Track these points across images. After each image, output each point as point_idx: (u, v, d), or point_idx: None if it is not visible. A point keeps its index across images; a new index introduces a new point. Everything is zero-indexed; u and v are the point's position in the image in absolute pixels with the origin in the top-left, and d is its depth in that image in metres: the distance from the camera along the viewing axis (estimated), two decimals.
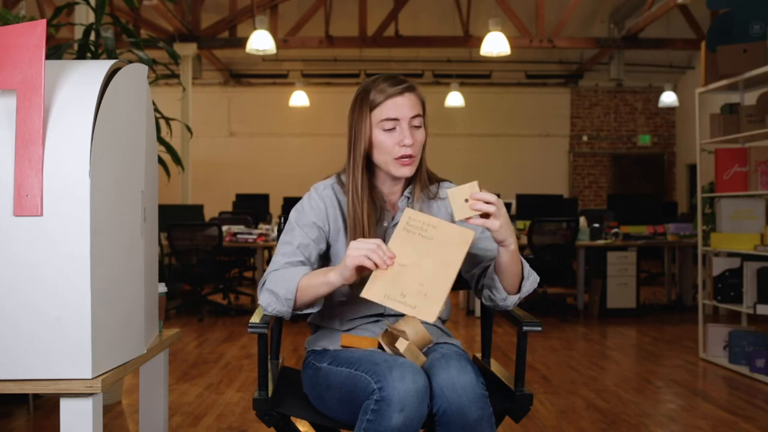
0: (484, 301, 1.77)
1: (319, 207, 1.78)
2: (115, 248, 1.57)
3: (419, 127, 1.74)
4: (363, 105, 1.73)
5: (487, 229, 1.57)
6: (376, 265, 1.52)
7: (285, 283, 1.64)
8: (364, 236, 1.71)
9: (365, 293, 1.53)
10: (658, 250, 7.88)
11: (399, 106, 1.70)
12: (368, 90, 1.73)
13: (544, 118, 12.37)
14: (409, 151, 1.71)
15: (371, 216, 1.74)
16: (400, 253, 1.55)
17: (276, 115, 12.10)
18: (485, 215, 1.55)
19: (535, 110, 12.34)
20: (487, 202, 1.54)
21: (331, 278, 1.60)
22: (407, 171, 1.73)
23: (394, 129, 1.71)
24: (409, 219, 1.59)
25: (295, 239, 1.74)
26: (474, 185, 1.56)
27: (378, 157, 1.74)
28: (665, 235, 6.53)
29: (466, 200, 1.55)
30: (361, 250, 1.53)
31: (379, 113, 1.71)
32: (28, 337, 1.44)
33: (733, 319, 5.78)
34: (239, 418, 3.20)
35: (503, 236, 1.59)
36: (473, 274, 1.80)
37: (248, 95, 12.24)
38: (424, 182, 1.81)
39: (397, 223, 1.78)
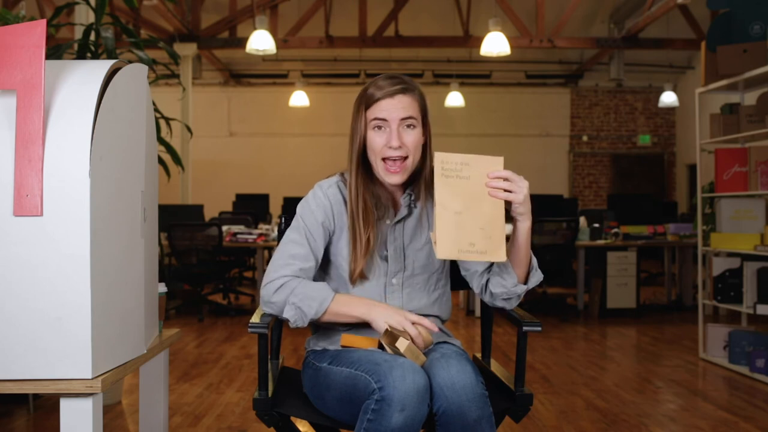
0: (493, 289, 1.76)
1: (324, 205, 1.78)
2: (115, 248, 1.57)
3: (413, 128, 1.72)
4: (361, 103, 1.75)
5: (510, 201, 1.61)
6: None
7: (314, 303, 1.66)
8: (364, 235, 1.71)
9: (440, 254, 1.55)
10: (658, 250, 7.88)
11: (389, 108, 1.70)
12: (367, 88, 1.75)
13: (544, 118, 12.37)
14: (395, 153, 1.70)
15: (372, 213, 1.74)
16: (450, 201, 1.56)
17: (276, 115, 12.10)
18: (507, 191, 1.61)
19: (535, 110, 12.33)
20: (505, 179, 1.59)
21: (359, 316, 1.67)
22: (396, 178, 1.73)
23: (383, 129, 1.71)
24: (443, 163, 1.58)
25: (308, 241, 1.74)
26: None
27: (370, 157, 1.75)
28: (665, 235, 6.53)
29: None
30: (398, 323, 1.63)
31: (371, 113, 1.72)
32: (28, 337, 1.44)
33: (733, 319, 5.78)
34: (239, 418, 3.20)
35: (523, 210, 1.64)
36: (475, 271, 1.80)
37: (248, 95, 12.23)
38: (428, 180, 1.80)
39: (398, 221, 1.79)
